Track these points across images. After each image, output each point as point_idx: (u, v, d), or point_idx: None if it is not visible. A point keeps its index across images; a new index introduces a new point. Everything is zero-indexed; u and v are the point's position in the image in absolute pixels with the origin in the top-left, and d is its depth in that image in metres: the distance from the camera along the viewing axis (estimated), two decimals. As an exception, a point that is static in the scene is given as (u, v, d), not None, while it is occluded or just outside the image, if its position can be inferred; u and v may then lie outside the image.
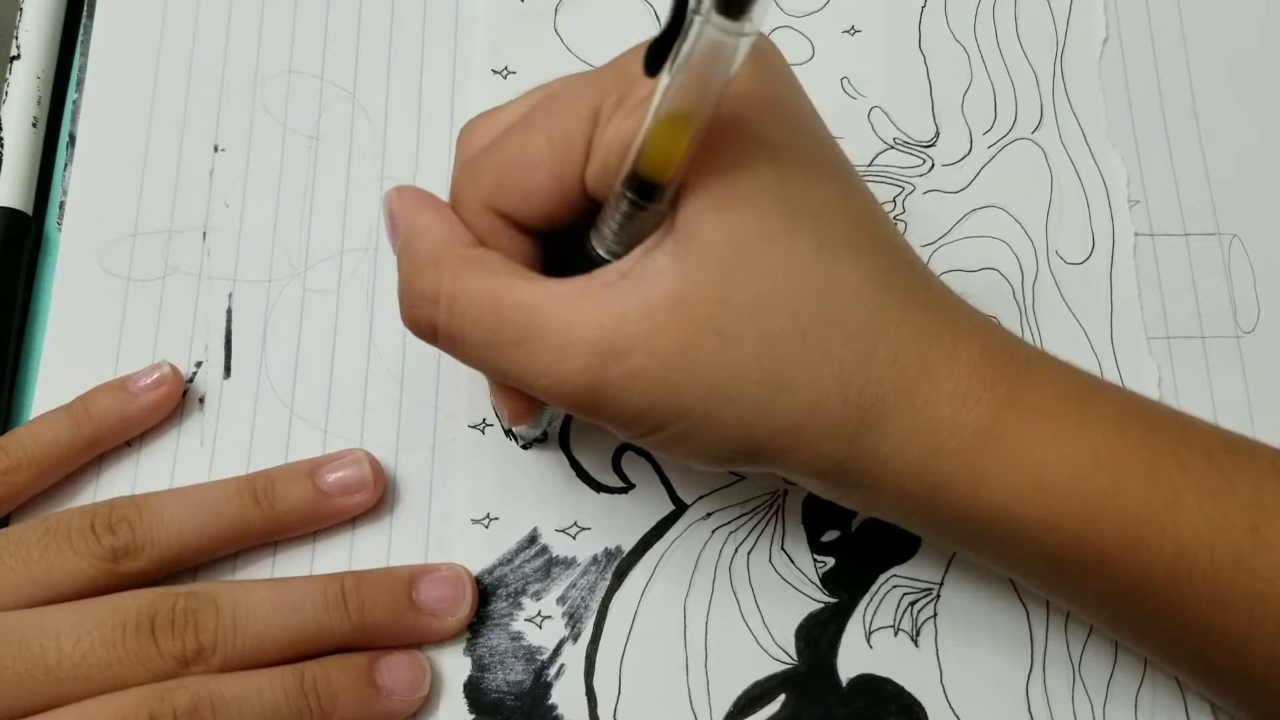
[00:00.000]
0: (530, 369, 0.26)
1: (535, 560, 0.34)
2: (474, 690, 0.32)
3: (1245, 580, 0.26)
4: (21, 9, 0.40)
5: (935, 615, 0.33)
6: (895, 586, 0.34)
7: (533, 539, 0.34)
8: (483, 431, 0.35)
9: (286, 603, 0.30)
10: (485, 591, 0.33)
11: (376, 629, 0.31)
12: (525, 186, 0.27)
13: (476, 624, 0.33)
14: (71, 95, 0.39)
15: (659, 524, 0.34)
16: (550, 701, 0.32)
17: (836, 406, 0.26)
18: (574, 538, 0.34)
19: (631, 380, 0.25)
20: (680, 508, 0.34)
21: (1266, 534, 0.26)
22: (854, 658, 0.33)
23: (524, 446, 0.35)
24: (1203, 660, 0.28)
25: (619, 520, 0.34)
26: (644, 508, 0.34)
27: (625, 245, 0.26)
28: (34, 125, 0.38)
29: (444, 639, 0.32)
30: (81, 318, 0.36)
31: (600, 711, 0.32)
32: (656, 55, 0.22)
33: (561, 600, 0.33)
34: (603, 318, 0.25)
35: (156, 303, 0.36)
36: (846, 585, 0.34)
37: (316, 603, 0.30)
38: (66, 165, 0.38)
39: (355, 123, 0.39)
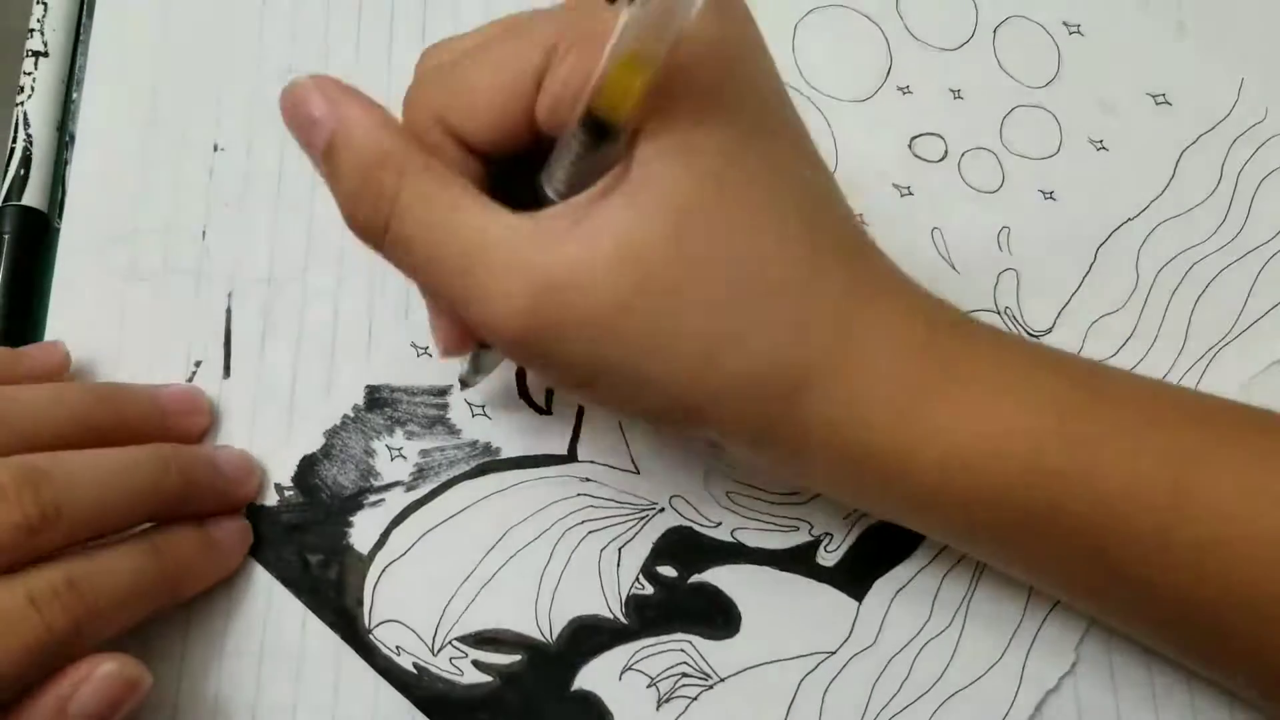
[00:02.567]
0: (468, 298, 0.26)
1: (431, 409, 0.35)
2: (307, 465, 0.34)
3: (1167, 531, 0.26)
4: (47, 5, 0.40)
5: (694, 700, 0.32)
6: (683, 657, 0.33)
7: (444, 391, 0.35)
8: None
9: (119, 463, 0.30)
10: (379, 401, 0.35)
11: (195, 491, 0.31)
12: (473, 106, 0.26)
13: (353, 420, 0.35)
14: (71, 94, 0.39)
15: (541, 456, 0.35)
16: (350, 519, 0.34)
17: (768, 372, 0.26)
18: (473, 415, 0.35)
19: (569, 328, 0.25)
20: (570, 458, 0.35)
21: (1185, 483, 0.26)
22: (595, 676, 0.33)
23: (463, 386, 0.35)
24: (1133, 610, 0.29)
25: (515, 429, 0.35)
26: (541, 435, 0.35)
27: (574, 187, 0.26)
28: (57, 128, 0.39)
29: (245, 503, 0.34)
30: (81, 317, 0.36)
31: (380, 557, 0.33)
32: None
33: (424, 454, 0.34)
34: (551, 259, 0.25)
35: (156, 302, 0.36)
36: (646, 619, 0.33)
37: (146, 464, 0.30)
38: (66, 164, 0.38)
39: (355, 122, 0.38)
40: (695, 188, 0.25)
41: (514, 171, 0.28)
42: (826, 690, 0.33)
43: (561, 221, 0.25)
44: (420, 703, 0.32)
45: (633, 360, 0.26)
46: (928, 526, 0.30)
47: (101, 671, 0.27)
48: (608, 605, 0.33)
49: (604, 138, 0.25)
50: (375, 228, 0.27)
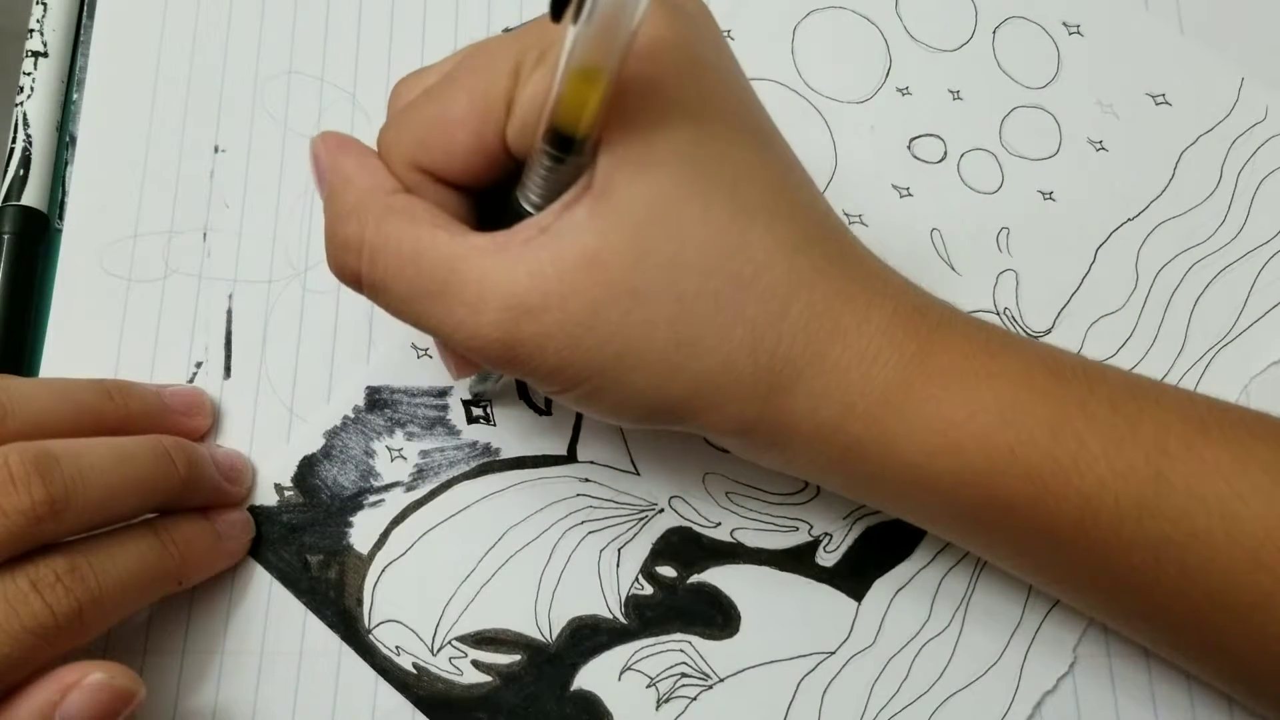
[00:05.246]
0: (447, 322, 0.26)
1: (432, 410, 0.35)
2: (308, 465, 0.34)
3: (1149, 524, 0.26)
4: (46, 5, 0.40)
5: (693, 700, 0.33)
6: (683, 657, 0.33)
7: (444, 393, 0.35)
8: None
9: (126, 452, 0.30)
10: (380, 402, 0.35)
11: (196, 484, 0.32)
12: (447, 144, 0.27)
13: (354, 421, 0.35)
14: (72, 95, 0.39)
15: (540, 457, 0.35)
16: (350, 519, 0.34)
17: (748, 369, 0.26)
18: (469, 421, 0.35)
19: (545, 338, 0.26)
20: (570, 459, 0.35)
21: (1170, 478, 0.26)
22: (595, 676, 0.33)
23: (476, 404, 0.35)
24: (1112, 601, 0.29)
25: (516, 431, 0.35)
26: (541, 436, 0.35)
27: (547, 200, 0.26)
28: (57, 128, 0.39)
29: (237, 502, 0.34)
30: (82, 318, 0.36)
31: (380, 557, 0.33)
32: (560, 2, 0.22)
33: (424, 455, 0.35)
34: (519, 273, 0.25)
35: (157, 303, 0.36)
36: (646, 619, 0.33)
37: (151, 454, 0.30)
38: (67, 165, 0.38)
39: (355, 123, 0.39)
40: (656, 195, 0.25)
41: (502, 194, 0.28)
42: (825, 690, 0.33)
43: (530, 236, 0.26)
44: (420, 702, 0.32)
45: (607, 364, 0.26)
46: (912, 513, 0.30)
47: (91, 680, 0.27)
48: (607, 605, 0.33)
49: (568, 150, 0.25)
50: (349, 277, 0.28)
